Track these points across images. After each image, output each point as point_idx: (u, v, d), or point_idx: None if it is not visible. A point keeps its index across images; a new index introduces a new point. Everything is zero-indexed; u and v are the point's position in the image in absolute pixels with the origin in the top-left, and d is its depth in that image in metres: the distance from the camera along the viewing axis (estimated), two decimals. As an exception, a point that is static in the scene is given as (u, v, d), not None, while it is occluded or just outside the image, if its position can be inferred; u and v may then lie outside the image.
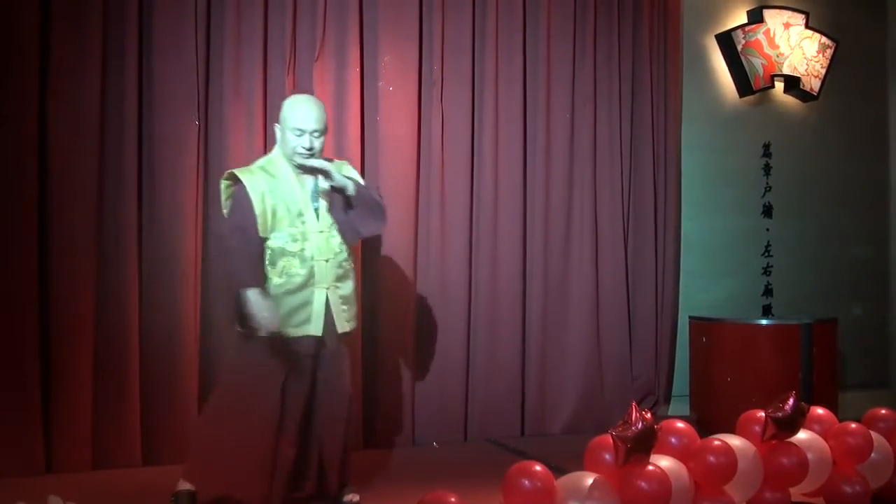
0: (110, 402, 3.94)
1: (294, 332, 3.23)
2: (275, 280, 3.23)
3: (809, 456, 3.16)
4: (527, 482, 2.69)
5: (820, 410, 3.47)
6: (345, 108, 4.47)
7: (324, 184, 3.28)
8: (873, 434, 3.37)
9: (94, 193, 3.94)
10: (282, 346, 3.22)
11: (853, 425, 3.37)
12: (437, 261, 4.70)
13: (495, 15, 4.87)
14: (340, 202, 3.29)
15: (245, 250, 3.21)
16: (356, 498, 3.42)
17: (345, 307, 3.34)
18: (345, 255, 3.35)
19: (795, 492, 3.25)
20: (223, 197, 3.36)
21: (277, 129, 3.35)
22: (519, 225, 4.93)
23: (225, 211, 3.36)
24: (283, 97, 4.26)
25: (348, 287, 3.36)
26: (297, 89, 4.37)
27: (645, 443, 2.75)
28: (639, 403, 2.93)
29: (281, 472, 3.25)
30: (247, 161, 4.21)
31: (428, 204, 4.71)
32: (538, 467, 2.74)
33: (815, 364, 4.83)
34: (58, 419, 3.84)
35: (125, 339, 3.98)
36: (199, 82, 4.15)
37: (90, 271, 3.92)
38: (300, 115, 3.28)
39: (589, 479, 2.75)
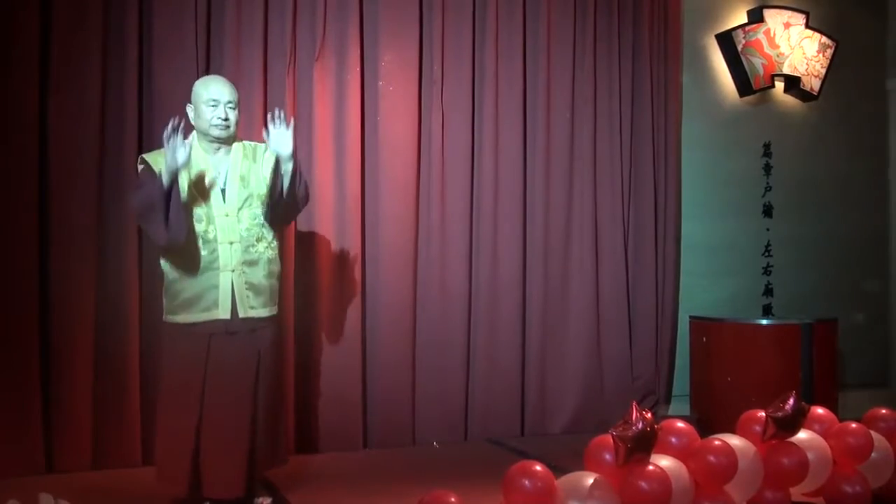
0: (110, 402, 3.95)
1: (202, 316, 3.20)
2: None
3: (809, 456, 3.16)
4: (527, 482, 2.68)
5: (820, 410, 3.47)
6: (345, 108, 4.47)
7: (236, 164, 3.31)
8: (873, 434, 3.37)
9: (94, 193, 3.94)
10: (196, 333, 3.19)
11: (853, 425, 3.37)
12: (437, 260, 4.70)
13: (495, 15, 4.87)
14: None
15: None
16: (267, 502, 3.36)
17: (249, 293, 3.24)
18: (253, 239, 3.27)
19: (795, 492, 3.25)
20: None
21: (190, 109, 3.33)
22: (519, 224, 4.93)
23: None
24: (283, 97, 4.29)
25: (258, 273, 3.27)
26: (298, 89, 4.38)
27: (645, 443, 2.75)
28: (639, 403, 2.93)
29: (208, 457, 3.15)
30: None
31: (428, 203, 4.71)
32: (538, 467, 2.74)
33: (815, 364, 4.83)
34: (58, 419, 3.84)
35: (125, 339, 3.98)
36: (199, 82, 4.14)
37: (90, 271, 3.92)
38: (213, 87, 3.30)
39: (589, 479, 2.75)
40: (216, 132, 3.26)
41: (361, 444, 4.45)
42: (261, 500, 3.32)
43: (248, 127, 4.25)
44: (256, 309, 3.27)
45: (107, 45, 3.99)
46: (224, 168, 3.31)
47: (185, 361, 3.19)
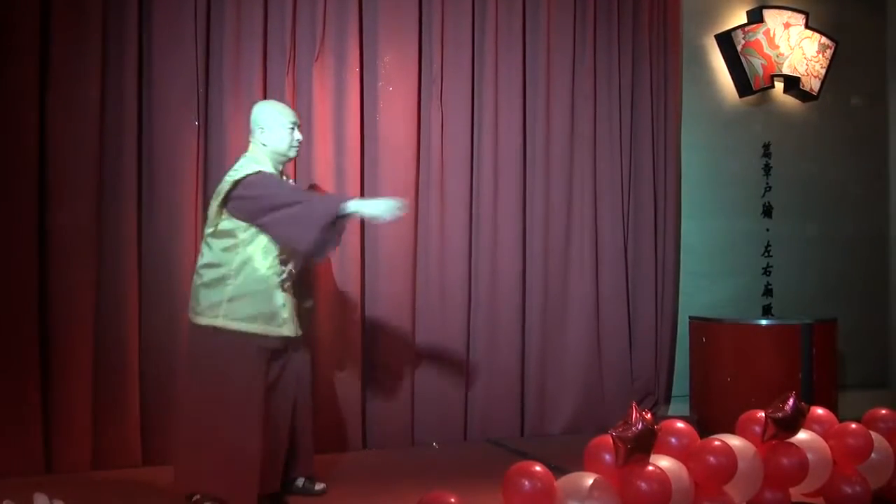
0: (110, 402, 3.94)
1: (275, 330, 3.33)
2: (261, 271, 3.31)
3: (809, 456, 3.16)
4: (527, 482, 2.68)
5: (820, 410, 3.47)
6: (345, 107, 4.47)
7: None
8: (873, 434, 3.36)
9: (94, 193, 3.94)
10: (261, 343, 3.28)
11: (853, 425, 3.37)
12: (436, 260, 4.70)
13: (495, 15, 4.87)
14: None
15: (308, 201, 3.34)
16: (322, 485, 3.59)
17: (298, 314, 3.49)
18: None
19: (795, 492, 3.25)
20: (217, 205, 3.34)
21: (260, 132, 3.43)
22: (518, 224, 4.93)
23: (224, 216, 3.33)
24: (283, 97, 4.29)
25: (305, 296, 3.59)
26: (297, 89, 4.38)
27: (645, 443, 2.75)
28: (639, 403, 2.93)
29: (269, 467, 3.29)
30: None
31: (427, 203, 4.71)
32: (538, 467, 2.74)
33: (815, 364, 4.83)
34: (58, 419, 3.84)
35: (125, 339, 3.98)
36: (198, 82, 4.15)
37: (90, 271, 3.92)
38: (289, 110, 3.54)
39: (589, 480, 2.75)
40: (293, 153, 3.52)
41: (361, 445, 4.45)
42: (319, 485, 3.57)
43: (248, 127, 4.25)
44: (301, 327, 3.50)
45: (106, 45, 3.99)
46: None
47: (257, 373, 3.28)
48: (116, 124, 4.01)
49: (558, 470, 2.94)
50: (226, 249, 3.31)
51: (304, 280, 3.59)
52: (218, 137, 4.22)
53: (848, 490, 3.27)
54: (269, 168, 3.39)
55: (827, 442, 3.31)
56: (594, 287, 5.08)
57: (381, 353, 4.55)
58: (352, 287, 4.45)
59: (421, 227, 4.68)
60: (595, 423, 4.80)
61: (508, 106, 4.91)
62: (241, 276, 3.29)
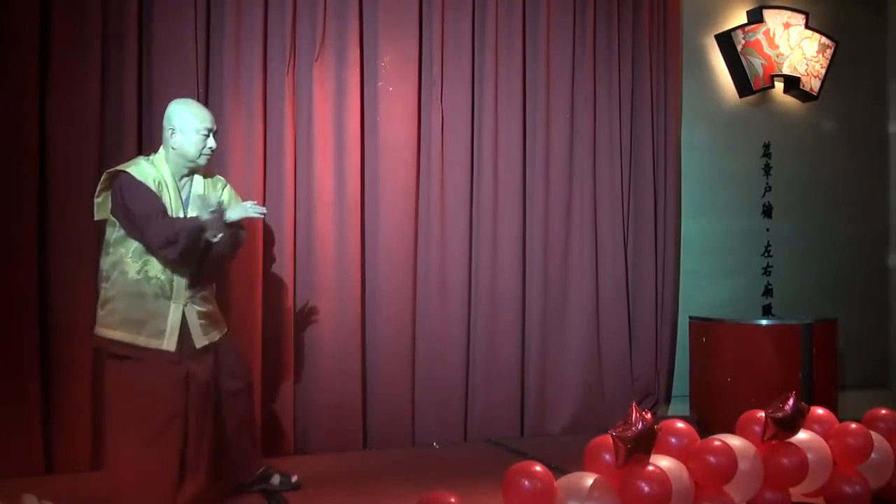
0: (110, 402, 3.94)
1: (146, 342, 3.14)
2: (131, 274, 3.15)
3: (809, 456, 3.16)
4: (527, 482, 2.68)
5: (820, 410, 3.47)
6: (345, 108, 4.47)
7: (199, 193, 3.30)
8: (873, 434, 3.37)
9: (93, 193, 3.92)
10: (137, 355, 3.12)
11: (853, 425, 3.37)
12: (436, 260, 4.70)
13: (495, 15, 4.87)
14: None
15: (156, 217, 3.12)
16: (295, 477, 3.58)
17: (203, 321, 3.28)
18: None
19: (795, 492, 3.25)
20: (97, 197, 3.25)
21: (170, 134, 3.30)
22: (518, 224, 4.93)
23: (100, 209, 3.26)
24: (283, 97, 4.30)
25: (210, 304, 3.35)
26: (297, 89, 4.38)
27: (645, 443, 2.75)
28: (639, 403, 2.93)
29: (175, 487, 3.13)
30: (247, 161, 4.23)
31: (427, 204, 4.71)
32: (538, 467, 2.74)
33: (815, 364, 4.83)
34: (58, 419, 3.84)
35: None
36: (198, 82, 4.14)
37: (90, 271, 3.90)
38: (204, 115, 3.33)
39: (589, 480, 2.75)
40: (204, 161, 3.33)
41: (361, 445, 4.45)
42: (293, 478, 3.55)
43: (248, 127, 4.26)
44: (211, 335, 3.32)
45: (106, 46, 3.99)
46: (186, 193, 3.34)
47: (170, 392, 3.13)
48: (116, 124, 4.01)
49: (558, 470, 2.95)
50: (103, 250, 3.22)
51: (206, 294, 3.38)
52: (218, 137, 4.18)
53: (848, 490, 3.27)
54: (161, 169, 3.26)
55: (827, 442, 3.31)
56: (594, 287, 5.08)
57: (381, 353, 4.55)
58: (352, 287, 4.45)
59: (421, 227, 4.68)
60: (595, 423, 4.79)
61: (508, 106, 4.91)
62: (111, 279, 3.17)
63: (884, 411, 3.57)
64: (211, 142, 3.31)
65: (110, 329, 3.16)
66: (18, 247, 3.78)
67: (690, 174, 5.59)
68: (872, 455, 3.33)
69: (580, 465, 2.91)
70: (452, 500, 2.59)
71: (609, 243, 5.16)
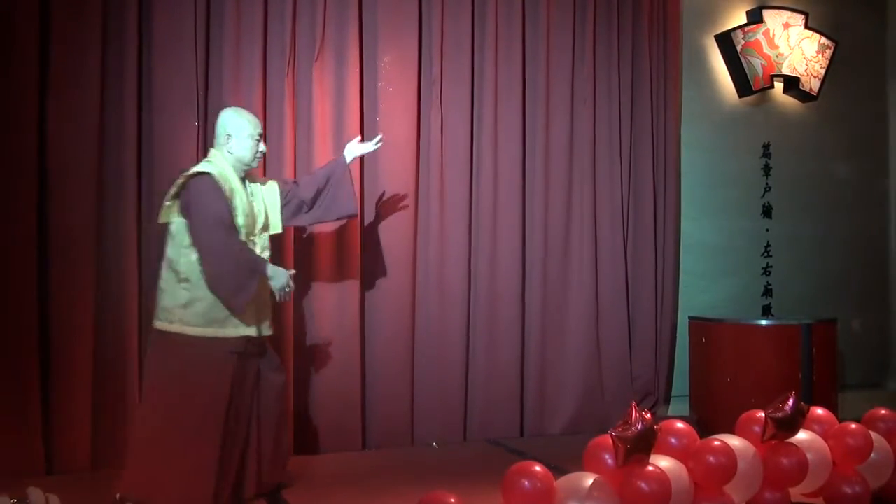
0: (110, 402, 3.94)
1: (232, 332, 3.26)
2: None
3: (809, 456, 3.16)
4: (526, 482, 2.69)
5: (820, 411, 3.47)
6: (345, 108, 4.47)
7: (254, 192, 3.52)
8: (873, 434, 3.37)
9: (94, 193, 3.94)
10: (220, 346, 3.23)
11: (853, 425, 3.37)
12: (436, 260, 4.70)
13: (494, 16, 4.87)
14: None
15: (232, 238, 3.25)
16: None
17: (266, 312, 3.47)
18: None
19: (795, 492, 3.25)
20: (168, 200, 3.30)
21: (226, 139, 3.39)
22: (518, 225, 4.93)
23: (175, 212, 3.30)
24: (283, 97, 4.30)
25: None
26: (297, 89, 4.38)
27: (645, 443, 2.75)
28: (638, 404, 2.93)
29: (227, 474, 3.24)
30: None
31: (427, 204, 4.71)
32: (538, 467, 2.74)
33: (815, 364, 4.83)
34: (58, 419, 3.84)
35: (125, 340, 3.97)
36: (198, 82, 4.15)
37: (90, 272, 3.92)
38: (256, 121, 3.50)
39: (589, 480, 2.75)
40: (256, 164, 3.50)
41: (361, 445, 4.45)
42: None
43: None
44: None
45: (106, 45, 3.99)
46: (247, 198, 3.44)
47: (220, 375, 3.25)
48: (116, 124, 4.01)
49: (558, 470, 2.95)
50: (179, 250, 3.26)
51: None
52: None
53: (848, 490, 3.27)
54: (228, 173, 3.34)
55: (827, 442, 3.31)
56: (594, 287, 5.09)
57: (381, 352, 4.55)
58: (351, 287, 4.45)
59: (421, 228, 4.68)
60: (595, 423, 4.80)
61: (508, 106, 4.91)
62: (193, 279, 3.23)
63: (883, 411, 3.57)
64: (262, 146, 3.48)
65: (198, 327, 3.23)
66: (18, 247, 3.78)
67: (690, 174, 5.59)
68: (872, 455, 3.33)
69: (580, 465, 2.91)
70: (452, 500, 2.60)
71: (609, 243, 5.16)
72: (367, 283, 4.54)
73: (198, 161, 4.09)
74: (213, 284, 3.20)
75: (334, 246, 4.43)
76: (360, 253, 4.50)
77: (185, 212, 3.25)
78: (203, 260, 3.21)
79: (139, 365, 4.01)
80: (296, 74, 4.39)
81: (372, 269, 4.56)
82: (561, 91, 5.06)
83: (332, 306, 4.41)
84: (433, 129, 4.73)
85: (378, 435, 4.52)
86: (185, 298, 3.22)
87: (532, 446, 4.49)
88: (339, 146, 4.44)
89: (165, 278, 3.28)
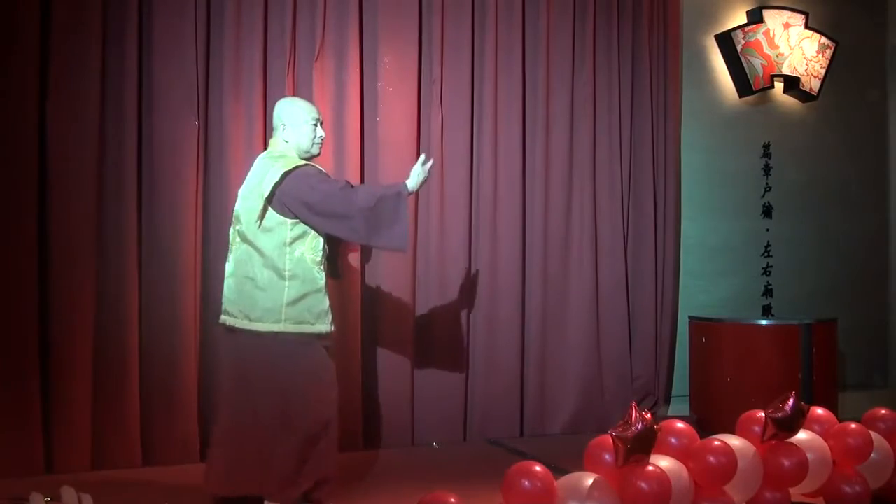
0: (110, 402, 3.94)
1: (327, 328, 3.35)
2: (315, 270, 3.27)
3: (809, 456, 3.16)
4: (526, 482, 2.69)
5: (820, 410, 3.47)
6: (345, 108, 4.47)
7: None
8: (873, 434, 3.37)
9: (94, 194, 3.94)
10: (326, 341, 3.33)
11: (853, 425, 3.37)
12: (436, 260, 4.70)
13: (494, 16, 4.87)
14: None
15: (359, 187, 3.35)
16: None
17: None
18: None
19: (795, 492, 3.25)
20: (262, 201, 3.21)
21: (283, 128, 3.33)
22: (518, 224, 4.93)
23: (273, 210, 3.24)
24: (283, 97, 4.28)
25: None
26: (297, 89, 4.38)
27: (645, 443, 2.75)
28: (638, 404, 2.93)
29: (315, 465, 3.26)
30: (246, 162, 4.21)
31: (427, 204, 4.71)
32: (538, 467, 2.74)
33: (815, 364, 4.83)
34: (58, 419, 3.84)
35: (125, 340, 3.98)
36: (198, 82, 4.15)
37: (90, 272, 3.92)
38: (312, 107, 3.45)
39: (589, 480, 2.75)
40: (317, 150, 3.43)
41: (361, 445, 4.45)
42: None
43: (248, 127, 4.26)
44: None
45: (106, 45, 3.99)
46: None
47: (324, 369, 3.33)
48: (116, 124, 4.01)
49: (558, 470, 2.95)
50: (280, 248, 3.20)
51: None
52: (218, 137, 4.22)
53: (848, 490, 3.27)
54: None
55: (827, 442, 3.31)
56: (594, 287, 5.08)
57: (381, 352, 4.54)
58: (351, 287, 4.44)
59: (421, 228, 4.68)
60: (595, 423, 4.81)
61: (508, 106, 4.91)
62: (297, 276, 3.22)
63: (883, 411, 3.57)
64: (320, 131, 3.41)
65: (307, 325, 3.26)
66: (18, 247, 3.78)
67: (690, 174, 5.59)
68: (872, 455, 3.33)
69: (580, 465, 2.91)
70: (452, 500, 2.60)
71: (609, 243, 5.16)
72: (367, 283, 4.54)
73: (197, 161, 4.13)
74: (370, 234, 3.23)
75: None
76: (360, 253, 4.50)
77: (300, 203, 3.19)
78: (350, 224, 3.21)
79: (140, 364, 4.02)
80: (296, 75, 4.39)
81: (372, 268, 4.55)
82: (561, 91, 5.06)
83: (332, 305, 4.39)
84: (433, 129, 4.73)
85: (378, 435, 4.51)
86: (291, 296, 3.20)
87: (532, 446, 4.49)
88: (339, 146, 4.45)
89: (264, 277, 3.19)
